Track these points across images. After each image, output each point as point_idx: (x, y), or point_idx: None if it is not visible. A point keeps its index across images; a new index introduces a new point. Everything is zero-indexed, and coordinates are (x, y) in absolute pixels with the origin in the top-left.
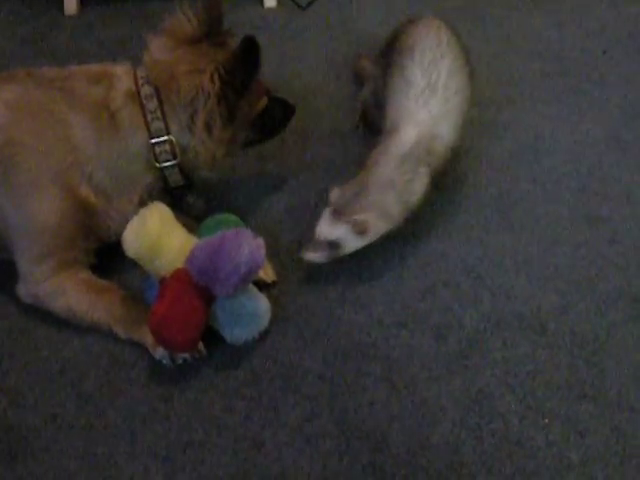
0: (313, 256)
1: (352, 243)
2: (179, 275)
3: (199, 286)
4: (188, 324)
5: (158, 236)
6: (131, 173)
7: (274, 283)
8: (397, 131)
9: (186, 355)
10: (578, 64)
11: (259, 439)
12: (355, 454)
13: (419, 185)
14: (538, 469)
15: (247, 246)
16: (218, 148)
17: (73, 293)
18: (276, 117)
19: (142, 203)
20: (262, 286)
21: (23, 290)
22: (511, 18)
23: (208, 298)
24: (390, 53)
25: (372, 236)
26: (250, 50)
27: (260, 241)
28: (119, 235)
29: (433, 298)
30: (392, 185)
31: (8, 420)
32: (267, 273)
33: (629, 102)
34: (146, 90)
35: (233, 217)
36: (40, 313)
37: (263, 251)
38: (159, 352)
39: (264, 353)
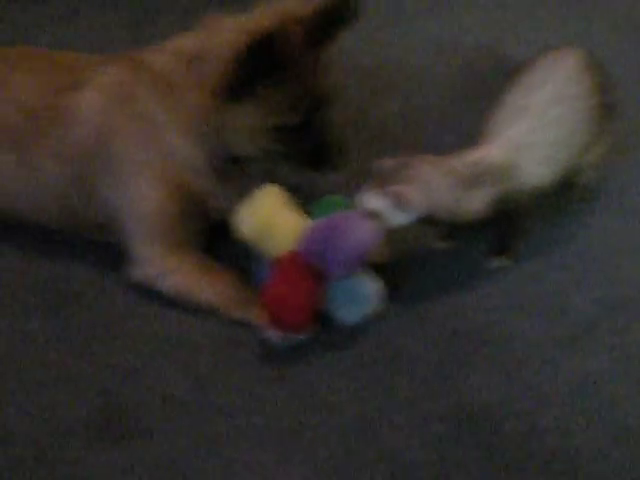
0: None
1: (394, 216)
2: (292, 257)
3: (312, 268)
4: (301, 306)
5: (271, 217)
6: (205, 149)
7: (387, 264)
8: (477, 146)
9: (297, 336)
10: None
11: (370, 421)
12: (467, 437)
13: (479, 196)
14: None
15: (361, 229)
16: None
17: (183, 274)
18: (306, 147)
19: (244, 183)
20: (375, 267)
21: (133, 272)
22: None
23: (320, 279)
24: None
25: (414, 211)
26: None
27: (372, 224)
28: (228, 213)
29: (543, 281)
30: (450, 173)
31: (123, 399)
32: (381, 254)
33: None
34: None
35: (343, 199)
36: (150, 292)
37: (376, 234)
38: (269, 333)
39: (373, 334)
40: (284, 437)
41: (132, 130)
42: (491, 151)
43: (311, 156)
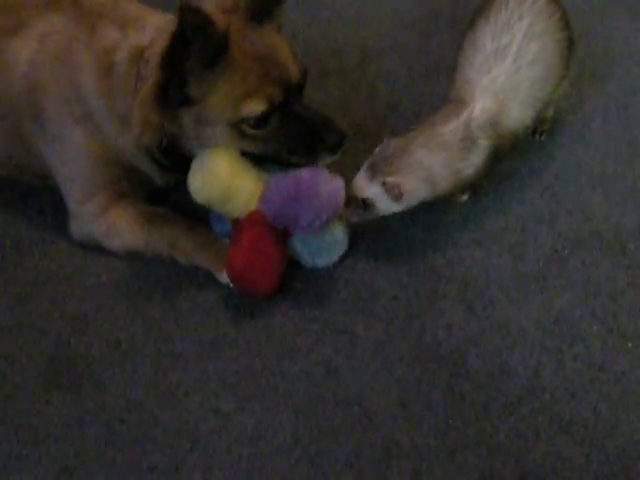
0: (346, 212)
1: (386, 205)
2: (254, 217)
3: (276, 228)
4: (269, 270)
5: (229, 179)
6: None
7: None
8: (460, 100)
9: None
10: None
11: (333, 364)
12: (432, 378)
13: (476, 156)
14: (623, 395)
15: (326, 188)
16: (140, 130)
17: (127, 229)
18: (295, 137)
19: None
20: None
21: (75, 229)
22: None
23: (285, 238)
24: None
25: (410, 201)
26: (185, 26)
27: (339, 181)
28: (170, 182)
29: (508, 217)
30: (445, 147)
31: (72, 348)
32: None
33: None
34: (149, 52)
35: None
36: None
37: (343, 192)
38: (225, 277)
39: (335, 275)
40: (243, 383)
41: (63, 96)
42: (476, 105)
43: (309, 142)
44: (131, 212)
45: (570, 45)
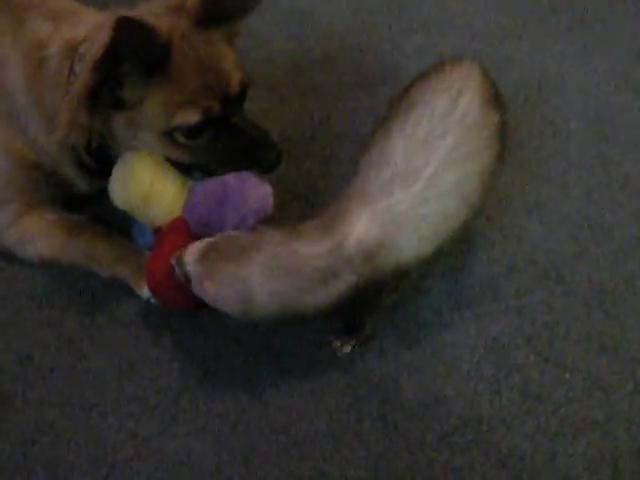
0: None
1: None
2: (176, 226)
3: (199, 237)
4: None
5: (150, 184)
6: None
7: None
8: (340, 216)
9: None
10: None
11: (259, 389)
12: (363, 407)
13: (331, 291)
14: (561, 427)
15: (254, 194)
16: (67, 130)
17: (42, 237)
18: (229, 151)
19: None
20: None
21: None
22: None
23: None
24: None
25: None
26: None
27: (268, 188)
28: (94, 188)
29: None
30: (292, 274)
31: None
32: None
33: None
34: (85, 47)
35: None
36: None
37: (271, 199)
38: (145, 292)
39: None
40: (163, 406)
41: None
42: (354, 230)
43: (243, 159)
44: (48, 219)
45: (500, 158)
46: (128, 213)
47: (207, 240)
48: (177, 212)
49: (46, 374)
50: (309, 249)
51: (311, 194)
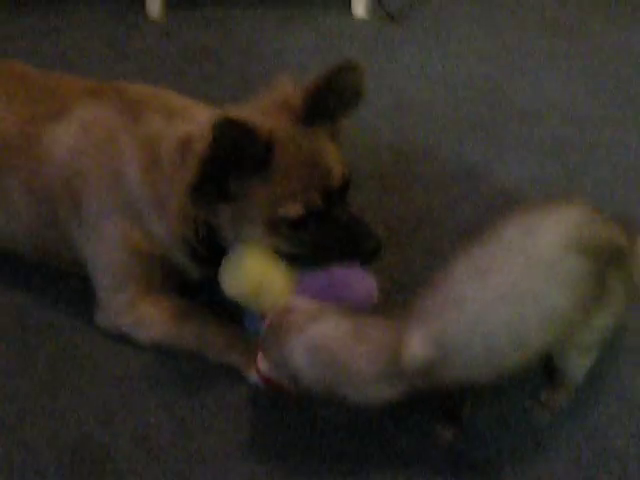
0: None
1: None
2: None
3: None
4: None
5: (260, 275)
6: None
7: None
8: (402, 324)
9: None
10: None
11: (364, 473)
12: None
13: (373, 394)
14: None
15: (358, 286)
16: (176, 222)
17: (156, 322)
18: (331, 242)
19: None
20: None
21: (102, 319)
22: None
23: None
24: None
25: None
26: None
27: (372, 282)
28: (205, 275)
29: None
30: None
31: (95, 441)
32: None
33: None
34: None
35: None
36: None
37: (376, 291)
38: (254, 377)
39: None
40: None
41: (103, 185)
42: (414, 345)
43: (345, 250)
44: (162, 305)
45: (589, 308)
46: (239, 302)
47: (271, 316)
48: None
49: (159, 456)
50: (364, 348)
51: (414, 284)
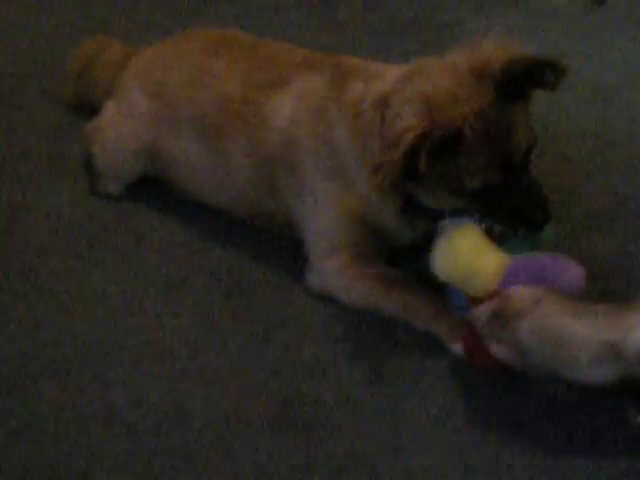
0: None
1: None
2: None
3: None
4: None
5: (471, 258)
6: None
7: None
8: (628, 311)
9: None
10: None
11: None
12: None
13: (589, 375)
14: None
15: (568, 274)
16: (382, 195)
17: (365, 289)
18: (505, 209)
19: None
20: None
21: (313, 281)
22: None
23: None
24: None
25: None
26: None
27: (581, 270)
28: (413, 241)
29: None
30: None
31: (303, 394)
32: None
33: None
34: (392, 99)
35: (547, 232)
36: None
37: (584, 280)
38: (457, 348)
39: None
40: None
41: (317, 152)
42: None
43: (514, 216)
44: (371, 272)
45: None
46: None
47: (492, 303)
48: (493, 286)
49: (362, 413)
50: (585, 331)
51: (609, 273)
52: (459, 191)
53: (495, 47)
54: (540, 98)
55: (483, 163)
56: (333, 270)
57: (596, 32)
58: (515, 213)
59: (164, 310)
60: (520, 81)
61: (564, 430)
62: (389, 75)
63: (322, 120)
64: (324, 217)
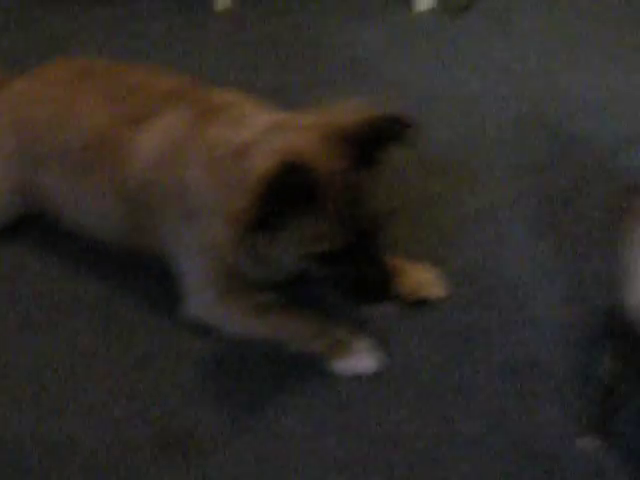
0: None
1: None
2: None
3: None
4: None
5: None
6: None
7: None
8: None
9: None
10: None
11: None
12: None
13: None
14: None
15: None
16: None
17: (240, 317)
18: (347, 277)
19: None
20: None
21: (189, 311)
22: None
23: None
24: None
25: None
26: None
27: None
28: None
29: None
30: None
31: (185, 418)
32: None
33: None
34: (255, 152)
35: None
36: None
37: None
38: (337, 364)
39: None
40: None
41: (173, 193)
42: None
43: (353, 287)
44: (244, 301)
45: None
46: None
47: None
48: None
49: (243, 433)
50: None
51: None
52: (306, 252)
53: (348, 111)
54: None
55: (331, 226)
56: (206, 301)
57: (455, 40)
58: (355, 284)
59: (42, 342)
60: (373, 143)
61: None
62: (253, 124)
63: (180, 160)
64: (188, 256)
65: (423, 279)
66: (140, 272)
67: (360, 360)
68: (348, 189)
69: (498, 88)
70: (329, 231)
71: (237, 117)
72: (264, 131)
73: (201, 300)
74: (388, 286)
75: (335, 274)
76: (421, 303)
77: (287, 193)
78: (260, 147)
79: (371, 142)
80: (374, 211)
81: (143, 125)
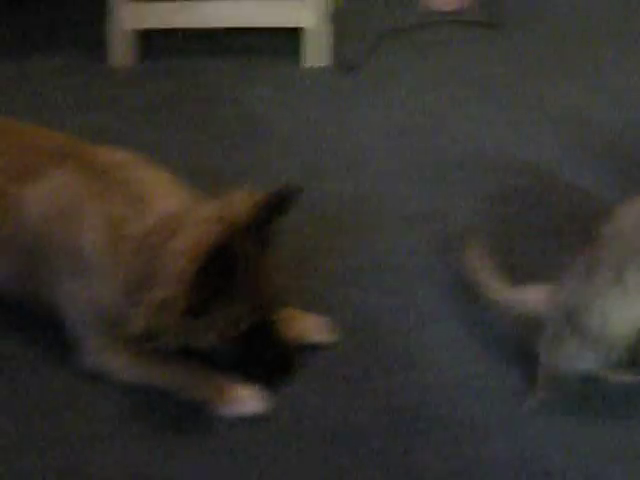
0: None
1: None
2: None
3: None
4: None
5: None
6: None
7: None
8: None
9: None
10: None
11: None
12: None
13: None
14: None
15: None
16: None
17: (126, 366)
18: (251, 359)
19: None
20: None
21: (80, 361)
22: None
23: None
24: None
25: None
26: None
27: None
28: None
29: None
30: None
31: (81, 470)
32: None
33: None
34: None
35: None
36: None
37: None
38: (227, 409)
39: None
40: None
41: (65, 252)
42: None
43: (253, 367)
44: (130, 351)
45: None
46: None
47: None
48: None
49: None
50: None
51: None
52: (225, 334)
53: (240, 199)
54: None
55: (246, 308)
56: (94, 351)
57: (343, 96)
58: (263, 366)
59: None
60: (266, 223)
61: None
62: (158, 211)
63: (73, 222)
64: (75, 309)
65: (311, 325)
66: (35, 321)
67: (245, 405)
68: (259, 271)
69: (387, 141)
70: (245, 313)
71: (135, 192)
72: (171, 220)
73: (89, 349)
74: (292, 363)
75: (243, 354)
76: (309, 349)
77: (214, 280)
78: (177, 237)
79: (264, 223)
80: (277, 288)
81: (33, 182)
